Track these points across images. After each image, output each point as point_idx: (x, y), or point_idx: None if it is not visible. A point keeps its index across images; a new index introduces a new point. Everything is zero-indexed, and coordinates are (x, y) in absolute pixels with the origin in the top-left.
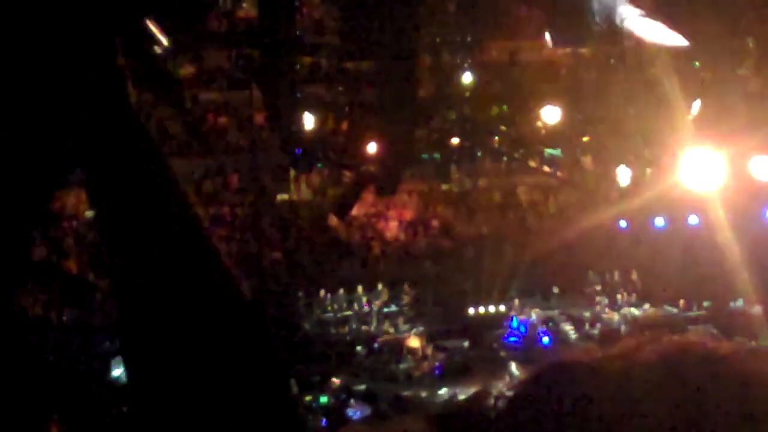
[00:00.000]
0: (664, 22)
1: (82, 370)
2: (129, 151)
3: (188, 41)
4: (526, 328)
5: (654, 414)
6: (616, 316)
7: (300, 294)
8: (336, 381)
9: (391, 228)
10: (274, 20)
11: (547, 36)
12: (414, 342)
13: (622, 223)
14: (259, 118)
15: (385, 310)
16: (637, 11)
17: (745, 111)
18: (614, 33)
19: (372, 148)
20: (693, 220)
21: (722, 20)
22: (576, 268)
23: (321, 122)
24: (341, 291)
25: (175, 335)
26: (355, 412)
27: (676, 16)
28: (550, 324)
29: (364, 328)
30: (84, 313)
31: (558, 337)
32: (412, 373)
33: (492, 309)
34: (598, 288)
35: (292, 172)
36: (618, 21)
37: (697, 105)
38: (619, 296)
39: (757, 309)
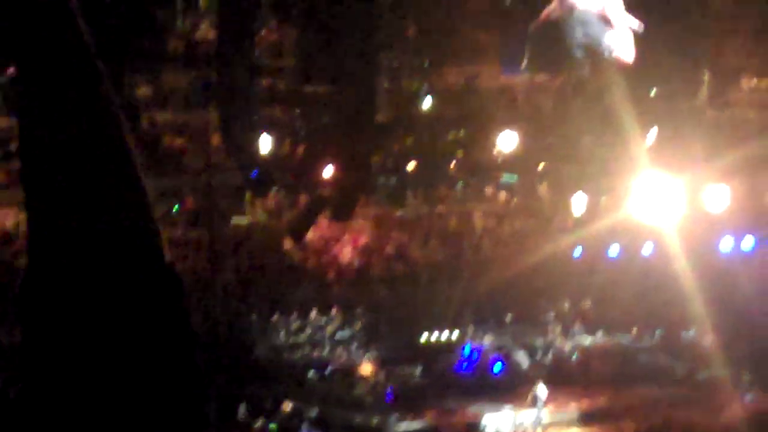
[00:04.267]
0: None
1: None
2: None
3: (146, 62)
4: (478, 355)
5: None
6: (568, 345)
7: (253, 317)
8: (288, 405)
9: (346, 252)
10: (233, 42)
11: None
12: (367, 367)
13: (577, 251)
14: (216, 140)
15: (339, 335)
16: (623, 39)
17: (700, 141)
18: (596, 62)
19: (328, 172)
20: (647, 249)
21: (679, 52)
22: (530, 295)
23: (278, 145)
24: (294, 315)
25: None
26: None
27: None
28: (503, 351)
29: (316, 352)
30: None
31: (510, 364)
32: (364, 398)
33: (445, 335)
34: (552, 316)
35: (248, 195)
36: (606, 53)
37: (653, 134)
38: (572, 324)
39: (709, 339)
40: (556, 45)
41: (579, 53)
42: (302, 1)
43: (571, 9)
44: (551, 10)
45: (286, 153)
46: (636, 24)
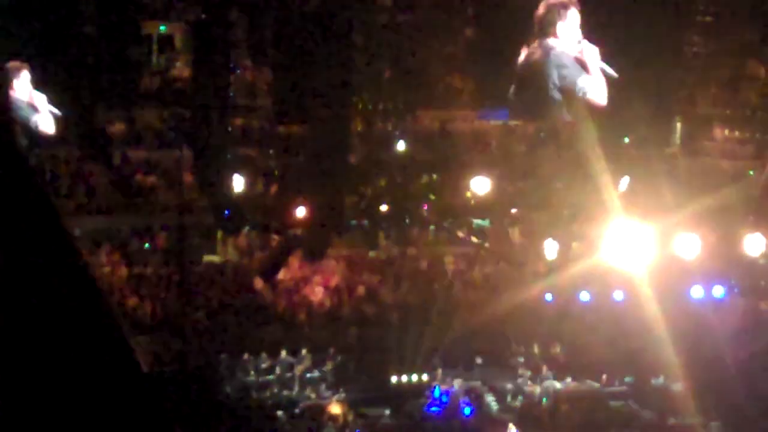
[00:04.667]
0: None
1: None
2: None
3: (119, 98)
4: (448, 398)
5: None
6: (538, 389)
7: (222, 356)
8: None
9: (317, 293)
10: (207, 81)
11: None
12: (335, 408)
13: (548, 297)
14: (189, 178)
15: (308, 375)
16: (595, 81)
17: (672, 189)
18: (570, 105)
19: (301, 212)
20: (618, 295)
21: (652, 100)
22: (500, 339)
23: (250, 184)
24: (264, 355)
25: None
26: None
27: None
28: (472, 395)
29: (285, 393)
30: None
31: (480, 408)
32: None
33: (415, 378)
34: (521, 360)
35: (220, 234)
36: (580, 93)
37: (625, 182)
38: (542, 369)
39: (679, 386)
40: (534, 87)
41: (556, 95)
42: (277, 42)
43: (549, 50)
44: (531, 52)
45: (259, 192)
46: (610, 71)
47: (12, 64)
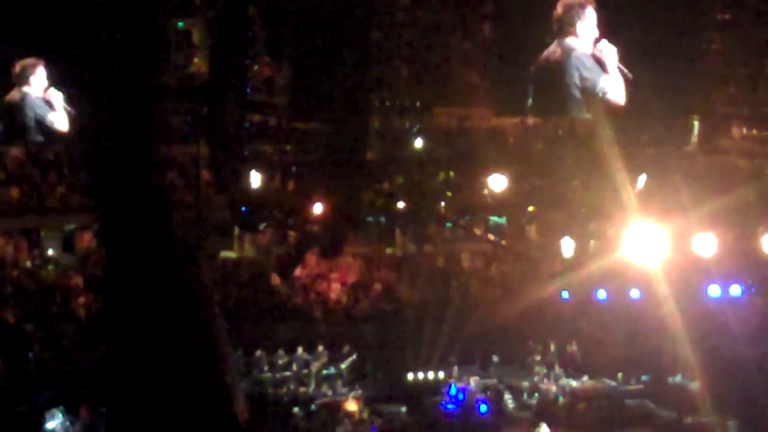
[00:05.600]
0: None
1: (17, 420)
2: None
3: (137, 95)
4: (464, 395)
5: None
6: (554, 387)
7: (239, 353)
8: None
9: (334, 290)
10: (225, 77)
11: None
12: (352, 405)
13: (565, 295)
14: (206, 174)
15: (324, 372)
16: (615, 81)
17: (689, 188)
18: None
19: (318, 209)
20: (635, 294)
21: (670, 98)
22: (516, 337)
23: (267, 181)
24: (281, 351)
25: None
26: None
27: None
28: (489, 393)
29: (302, 389)
30: (21, 363)
31: (496, 406)
32: None
33: (431, 375)
34: (538, 358)
35: (237, 230)
36: (600, 94)
37: (642, 180)
38: (558, 367)
39: (695, 384)
40: (555, 87)
41: (577, 94)
42: (295, 39)
43: (570, 51)
44: (551, 52)
45: (276, 189)
46: (626, 72)
47: (28, 61)
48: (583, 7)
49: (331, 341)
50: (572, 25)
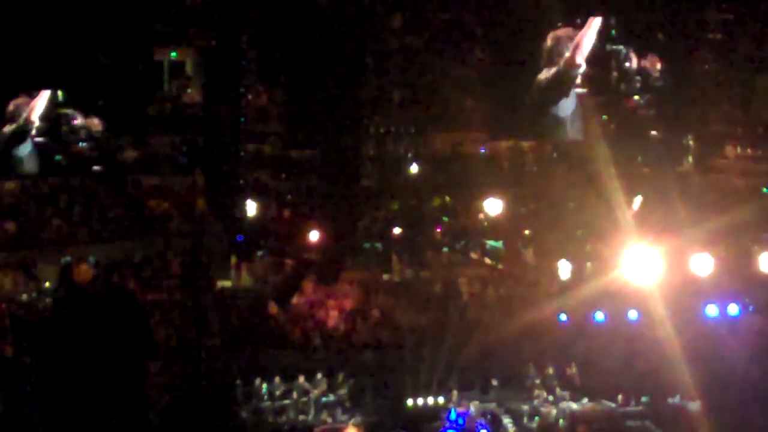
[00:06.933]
0: None
1: None
2: None
3: (132, 125)
4: (464, 420)
5: None
6: (554, 410)
7: (238, 381)
8: None
9: (332, 317)
10: (219, 106)
11: None
12: None
13: (563, 317)
14: (202, 203)
15: (324, 399)
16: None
17: (685, 207)
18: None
19: (314, 236)
20: (633, 315)
21: (665, 119)
22: (515, 360)
23: (264, 209)
24: (279, 379)
25: None
26: None
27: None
28: (489, 417)
29: (301, 417)
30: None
31: (496, 430)
32: None
33: (431, 401)
34: (537, 381)
35: (233, 259)
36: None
37: (638, 201)
38: (557, 390)
39: (695, 405)
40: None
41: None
42: (288, 67)
43: (578, 66)
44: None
45: (272, 217)
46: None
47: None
48: (571, 39)
49: (330, 368)
50: (560, 56)
